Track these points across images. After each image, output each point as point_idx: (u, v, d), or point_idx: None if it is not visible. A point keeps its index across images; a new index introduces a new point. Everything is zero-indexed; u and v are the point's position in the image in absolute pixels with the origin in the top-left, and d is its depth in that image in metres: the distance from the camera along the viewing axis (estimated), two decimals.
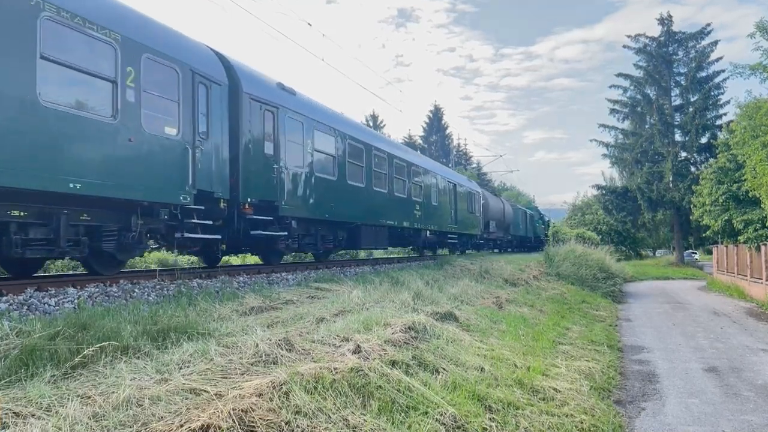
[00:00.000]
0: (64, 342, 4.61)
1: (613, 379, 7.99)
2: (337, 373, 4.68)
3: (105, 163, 7.50)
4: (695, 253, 62.54)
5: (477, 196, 28.50)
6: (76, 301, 6.84)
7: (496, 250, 35.56)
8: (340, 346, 5.68)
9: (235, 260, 23.17)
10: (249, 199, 10.56)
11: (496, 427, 4.85)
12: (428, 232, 20.99)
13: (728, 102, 40.59)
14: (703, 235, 33.19)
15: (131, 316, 5.97)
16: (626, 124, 45.07)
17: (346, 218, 14.37)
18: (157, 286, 8.41)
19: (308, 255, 19.01)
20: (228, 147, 10.07)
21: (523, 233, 43.05)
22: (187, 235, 9.19)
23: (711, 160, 33.83)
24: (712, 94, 41.07)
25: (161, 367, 4.42)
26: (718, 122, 40.45)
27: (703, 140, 40.88)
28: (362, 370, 4.89)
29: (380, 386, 4.80)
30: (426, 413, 4.65)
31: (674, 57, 43.03)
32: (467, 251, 28.15)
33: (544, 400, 5.98)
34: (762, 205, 20.23)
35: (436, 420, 4.57)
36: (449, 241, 24.10)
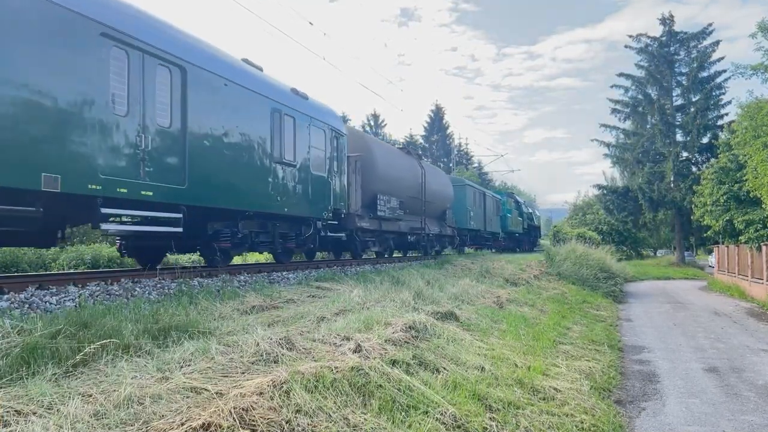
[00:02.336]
0: (66, 340, 4.62)
1: (613, 379, 7.99)
2: (337, 372, 4.68)
3: None
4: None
5: (325, 134, 13.66)
6: (77, 299, 6.85)
7: (397, 257, 20.61)
8: (340, 345, 5.68)
9: (237, 259, 23.14)
10: None
11: (497, 426, 4.85)
12: None
13: (729, 102, 40.69)
14: (704, 235, 33.13)
15: (132, 314, 5.98)
16: (627, 124, 45.04)
17: None
18: (158, 285, 8.43)
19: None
20: None
21: (479, 226, 28.84)
22: None
23: (712, 160, 33.80)
24: (714, 94, 41.00)
25: (162, 365, 4.43)
26: (720, 122, 40.41)
27: (705, 140, 40.84)
28: (363, 369, 4.89)
29: (381, 385, 4.80)
30: (426, 412, 4.65)
31: (676, 57, 42.96)
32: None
33: (544, 399, 5.98)
34: (763, 206, 20.22)
35: (437, 419, 4.57)
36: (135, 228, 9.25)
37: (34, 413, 3.36)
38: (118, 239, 10.94)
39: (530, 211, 47.80)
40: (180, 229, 9.18)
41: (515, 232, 38.75)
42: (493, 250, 32.58)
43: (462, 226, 26.28)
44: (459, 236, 26.21)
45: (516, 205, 40.79)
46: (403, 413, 4.55)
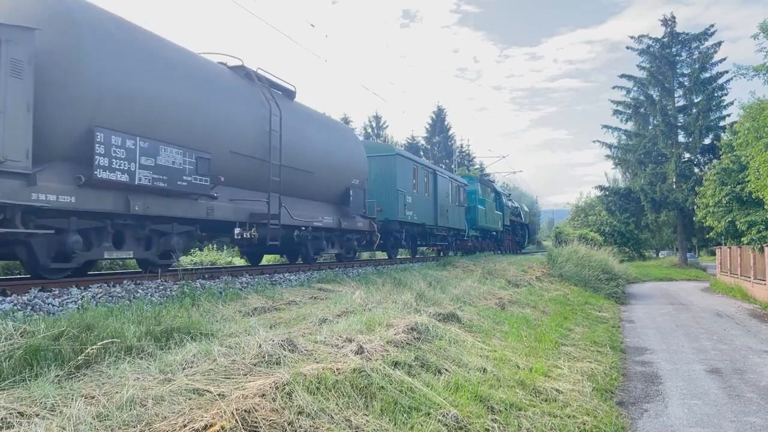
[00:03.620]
0: (68, 342, 4.63)
1: (615, 381, 7.98)
2: (339, 373, 4.69)
3: None
4: None
5: None
6: (79, 301, 6.86)
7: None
8: (342, 346, 5.69)
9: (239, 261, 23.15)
10: None
11: (499, 428, 4.85)
12: None
13: (732, 103, 40.64)
14: (707, 236, 33.10)
15: (135, 316, 5.99)
16: (629, 125, 45.00)
17: None
18: (161, 287, 8.43)
19: None
20: None
21: (424, 219, 19.75)
22: None
23: (714, 161, 33.74)
24: (716, 95, 40.97)
25: (164, 367, 4.44)
26: (722, 123, 40.39)
27: (707, 141, 40.82)
28: (365, 371, 4.90)
29: (383, 387, 4.80)
30: (428, 414, 4.65)
31: (677, 58, 42.91)
32: None
33: (546, 401, 5.98)
34: (765, 207, 20.20)
35: (439, 421, 4.57)
36: None
37: (37, 415, 3.38)
38: None
39: (515, 204, 40.10)
40: None
41: (492, 229, 30.43)
42: (452, 253, 24.55)
43: (391, 217, 17.37)
44: (386, 233, 17.40)
45: (495, 196, 32.26)
46: (405, 415, 4.56)
